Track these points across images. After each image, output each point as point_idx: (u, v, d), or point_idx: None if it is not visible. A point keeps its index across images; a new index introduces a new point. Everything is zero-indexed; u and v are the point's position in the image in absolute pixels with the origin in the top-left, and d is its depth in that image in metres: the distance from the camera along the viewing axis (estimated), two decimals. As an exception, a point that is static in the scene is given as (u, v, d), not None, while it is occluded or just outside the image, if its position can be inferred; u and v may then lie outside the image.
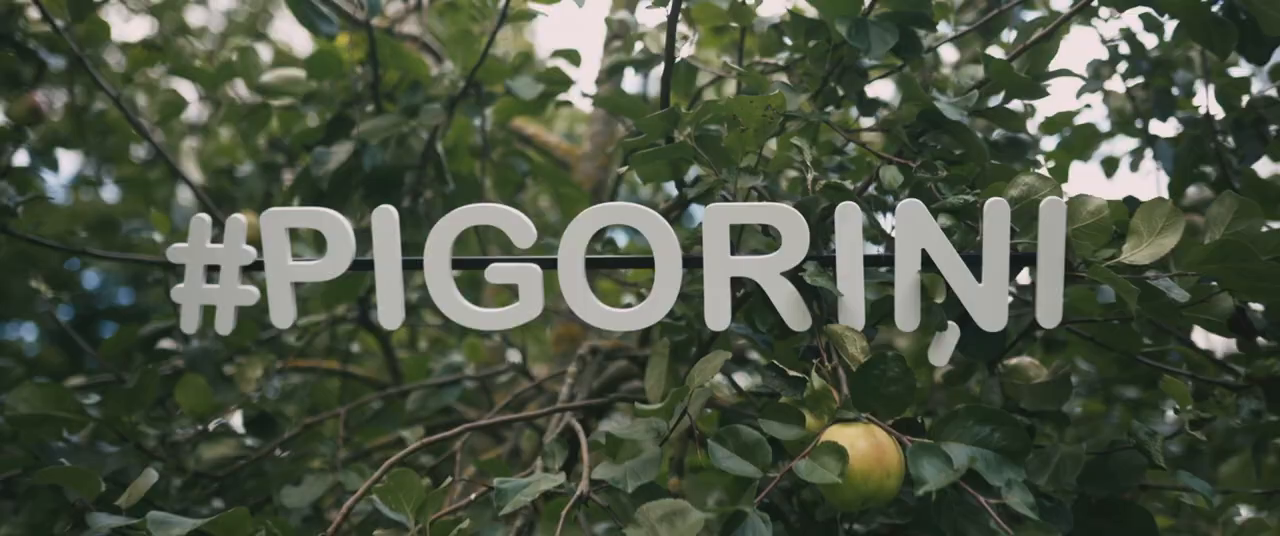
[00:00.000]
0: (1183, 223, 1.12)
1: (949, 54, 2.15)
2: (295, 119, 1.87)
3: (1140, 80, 1.85)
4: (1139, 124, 1.88)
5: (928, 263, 1.13)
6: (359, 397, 1.86)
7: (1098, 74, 1.91)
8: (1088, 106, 2.04)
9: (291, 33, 4.35)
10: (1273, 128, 1.53)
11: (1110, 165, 2.15)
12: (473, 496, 1.21)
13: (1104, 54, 1.87)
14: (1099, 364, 1.92)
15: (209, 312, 1.24)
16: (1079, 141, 2.11)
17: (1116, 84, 1.88)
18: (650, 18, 2.29)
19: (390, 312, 1.21)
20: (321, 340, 2.09)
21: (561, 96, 1.81)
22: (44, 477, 1.26)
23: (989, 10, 1.87)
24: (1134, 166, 1.99)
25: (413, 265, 1.18)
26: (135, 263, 1.86)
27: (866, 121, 1.52)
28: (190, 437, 1.57)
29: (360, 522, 1.34)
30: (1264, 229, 1.13)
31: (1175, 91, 1.78)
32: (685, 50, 1.58)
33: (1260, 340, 1.40)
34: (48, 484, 1.42)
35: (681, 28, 1.59)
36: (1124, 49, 1.83)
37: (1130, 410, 1.38)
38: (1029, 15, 1.68)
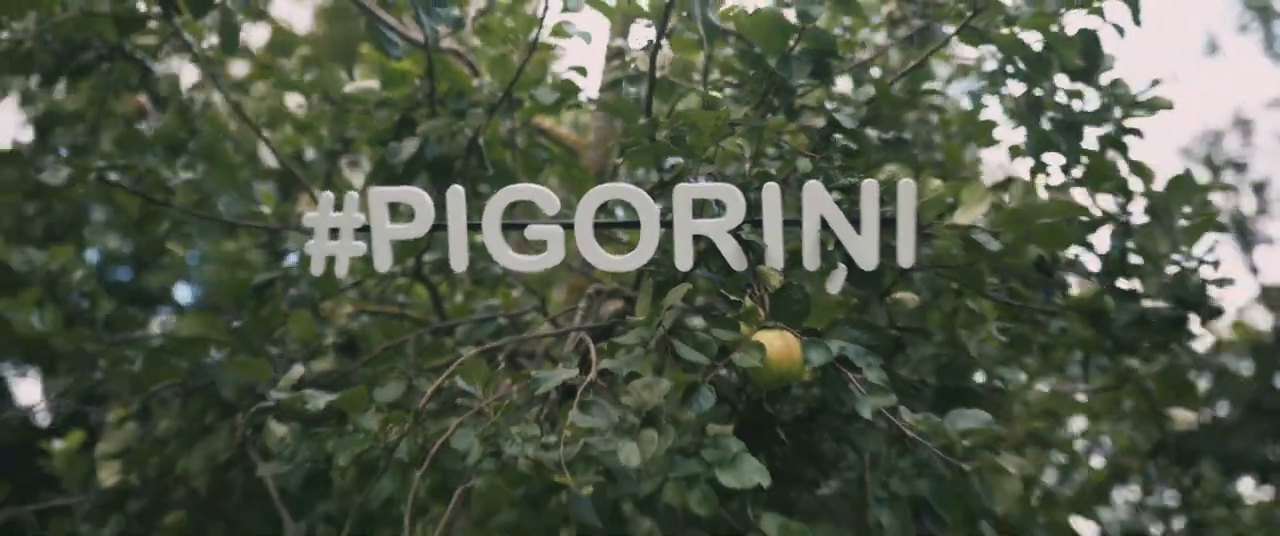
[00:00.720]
0: (990, 197, 1.69)
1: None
2: (366, 120, 2.43)
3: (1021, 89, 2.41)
4: (1016, 123, 2.44)
5: (826, 224, 1.69)
6: (416, 331, 2.42)
7: (993, 82, 2.47)
8: (985, 107, 2.59)
9: (291, 11, 4.82)
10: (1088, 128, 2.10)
11: (1015, 151, 2.72)
12: (515, 387, 1.78)
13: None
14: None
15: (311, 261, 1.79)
16: (980, 133, 2.66)
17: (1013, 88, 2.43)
18: (640, 43, 2.84)
19: (459, 260, 1.77)
20: (379, 289, 2.65)
21: (572, 101, 2.37)
22: (225, 368, 1.83)
23: (911, 32, 2.43)
24: (1014, 154, 2.55)
25: (473, 227, 1.74)
26: (246, 227, 2.43)
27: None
28: (300, 355, 2.14)
29: (435, 410, 1.91)
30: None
31: (1039, 94, 2.34)
32: (664, 69, 2.15)
33: (1073, 279, 1.97)
34: (205, 382, 1.99)
35: (664, 51, 2.16)
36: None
37: (965, 323, 1.92)
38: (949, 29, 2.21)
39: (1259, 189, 13.30)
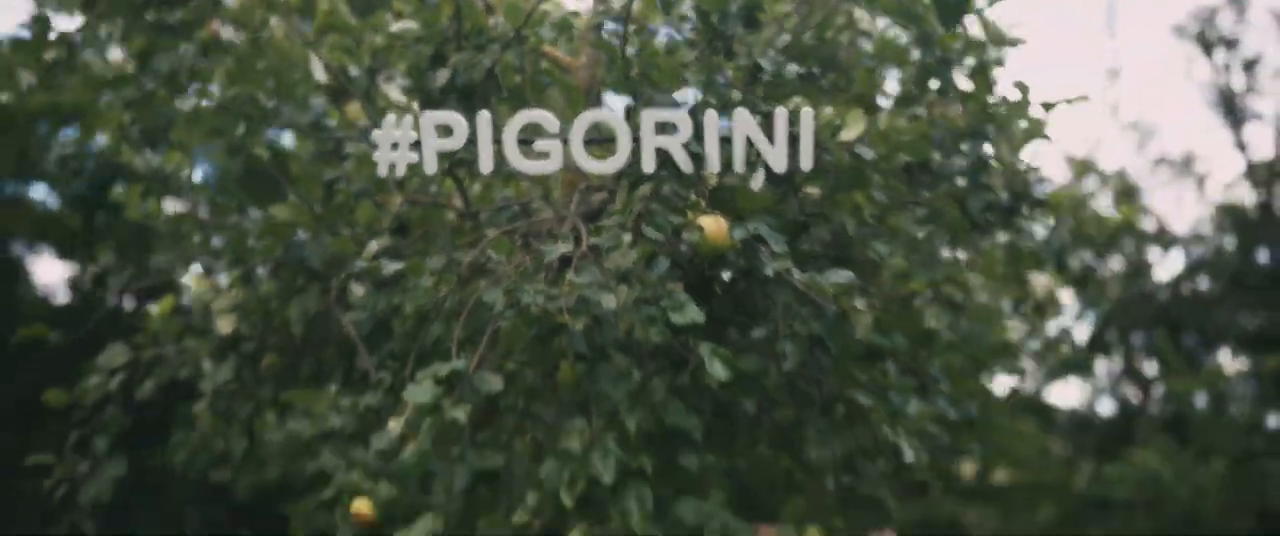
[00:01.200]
0: (865, 118, 2.37)
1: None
2: (406, 52, 3.09)
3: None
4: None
5: (750, 141, 2.38)
6: (450, 216, 3.12)
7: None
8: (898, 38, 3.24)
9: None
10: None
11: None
12: (528, 257, 2.49)
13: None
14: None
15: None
16: (897, 57, 3.32)
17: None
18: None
19: (486, 165, 2.46)
20: (418, 183, 3.34)
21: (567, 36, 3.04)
22: (313, 244, 2.53)
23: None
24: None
25: (496, 141, 2.43)
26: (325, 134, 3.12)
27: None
28: (364, 235, 2.85)
29: (469, 275, 2.62)
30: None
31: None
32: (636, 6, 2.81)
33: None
34: (297, 255, 2.70)
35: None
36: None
37: (849, 211, 2.59)
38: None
39: (1249, 66, 13.75)
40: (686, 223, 2.38)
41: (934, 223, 2.69)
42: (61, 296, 23.24)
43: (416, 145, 2.49)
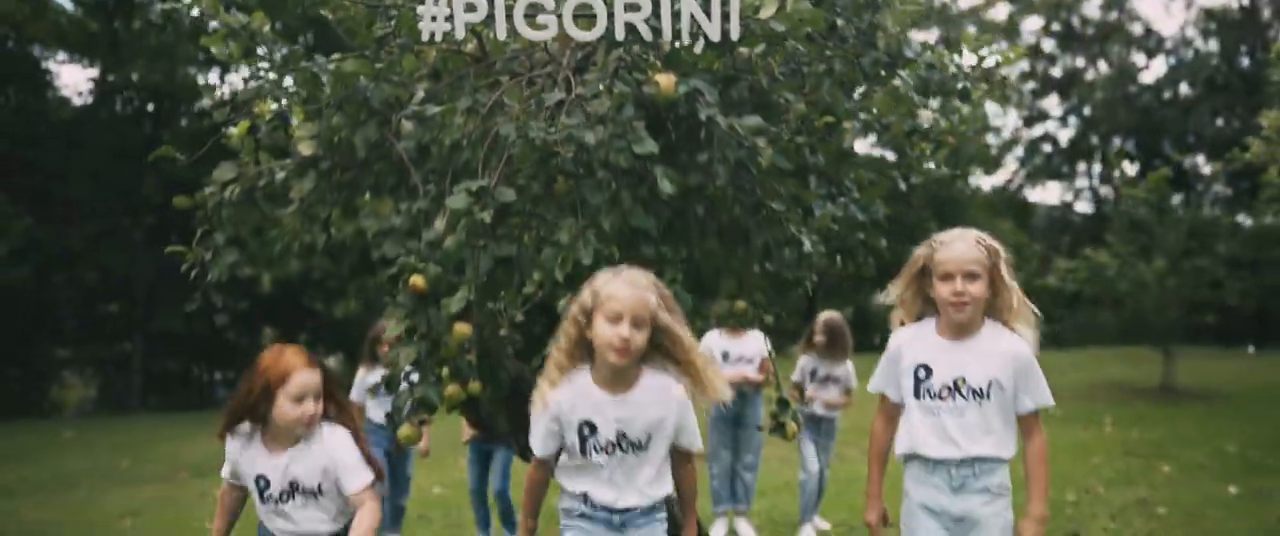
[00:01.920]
0: (776, 0, 3.26)
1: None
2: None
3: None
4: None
5: (693, 18, 3.28)
6: (473, 65, 4.01)
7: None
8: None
9: None
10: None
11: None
12: (531, 100, 3.42)
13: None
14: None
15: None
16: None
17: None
18: None
19: (501, 31, 3.36)
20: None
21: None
22: (376, 89, 3.45)
23: None
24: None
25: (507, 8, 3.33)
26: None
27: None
28: (409, 81, 3.76)
29: (488, 113, 3.55)
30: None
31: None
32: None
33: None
34: (357, 101, 3.62)
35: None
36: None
37: (768, 69, 3.47)
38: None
39: None
40: (647, 78, 3.30)
41: (830, 76, 3.60)
42: (78, 100, 23.89)
43: (449, 17, 3.39)
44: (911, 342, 3.31)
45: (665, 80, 3.27)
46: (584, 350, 3.02)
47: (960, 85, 4.38)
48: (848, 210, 4.17)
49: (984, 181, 34.06)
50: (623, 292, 2.92)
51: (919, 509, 3.22)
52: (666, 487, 3.13)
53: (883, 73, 3.71)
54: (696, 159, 3.56)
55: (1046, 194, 36.89)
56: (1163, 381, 14.35)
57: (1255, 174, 11.83)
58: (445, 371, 3.49)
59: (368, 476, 3.30)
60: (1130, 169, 33.08)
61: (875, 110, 4.10)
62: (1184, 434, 10.68)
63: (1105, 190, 31.81)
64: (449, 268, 3.37)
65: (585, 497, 3.08)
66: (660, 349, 3.00)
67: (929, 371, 3.24)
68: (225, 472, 3.43)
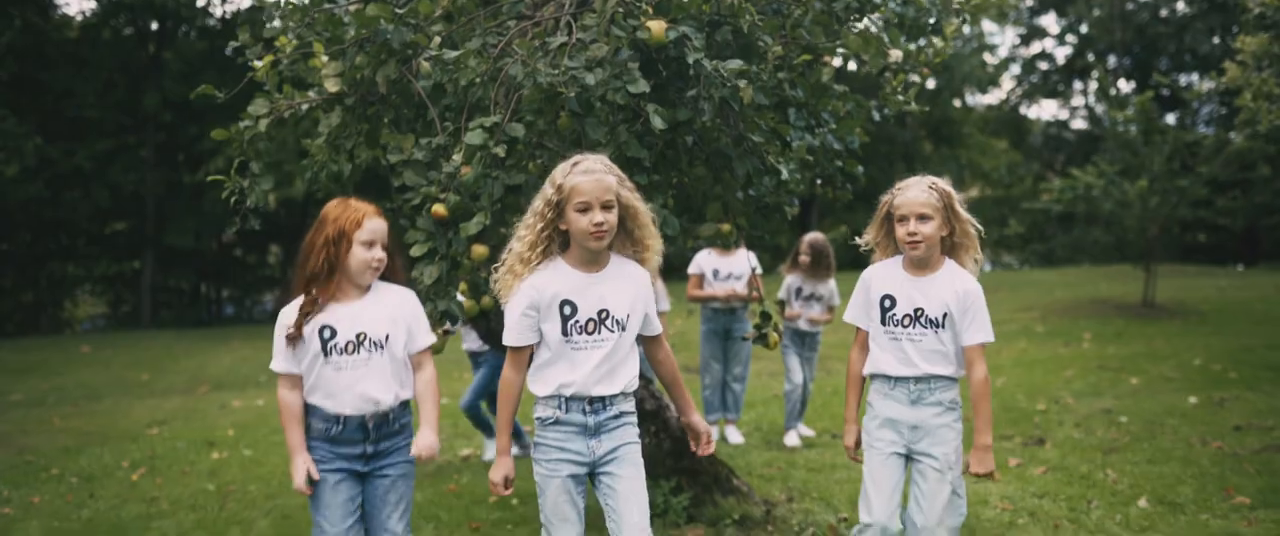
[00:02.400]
0: (757, -42, 3.63)
1: None
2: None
3: None
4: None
5: (682, -31, 3.66)
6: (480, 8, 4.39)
7: None
8: None
9: None
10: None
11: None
12: (537, 42, 3.81)
13: None
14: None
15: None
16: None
17: None
18: None
19: (509, -17, 3.74)
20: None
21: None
22: (396, 32, 3.85)
23: None
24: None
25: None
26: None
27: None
28: (426, 26, 4.14)
29: (499, 53, 3.94)
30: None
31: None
32: None
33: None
34: (379, 42, 4.01)
35: None
36: None
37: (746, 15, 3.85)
38: None
39: None
40: (640, 24, 3.68)
41: (808, 15, 3.98)
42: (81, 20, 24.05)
43: (462, -34, 3.77)
44: (880, 277, 3.74)
45: (656, 26, 3.66)
46: (552, 241, 3.24)
47: (932, 20, 4.77)
48: (826, 140, 4.58)
49: (981, 100, 34.32)
50: (586, 183, 3.15)
51: (882, 419, 3.68)
52: (634, 374, 3.31)
53: (855, 17, 4.09)
54: (684, 96, 3.96)
55: (1042, 112, 37.09)
56: (1145, 299, 14.82)
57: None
58: (464, 287, 3.94)
59: (432, 336, 3.56)
60: (1125, 87, 33.33)
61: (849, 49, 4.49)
62: (1156, 349, 11.17)
63: (1100, 108, 31.99)
64: (466, 196, 3.79)
65: (560, 400, 3.23)
66: (621, 223, 3.25)
67: (893, 302, 3.68)
68: (278, 364, 3.43)
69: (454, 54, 3.80)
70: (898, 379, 3.65)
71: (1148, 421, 7.45)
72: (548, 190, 3.21)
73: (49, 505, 6.14)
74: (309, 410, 3.45)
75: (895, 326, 3.67)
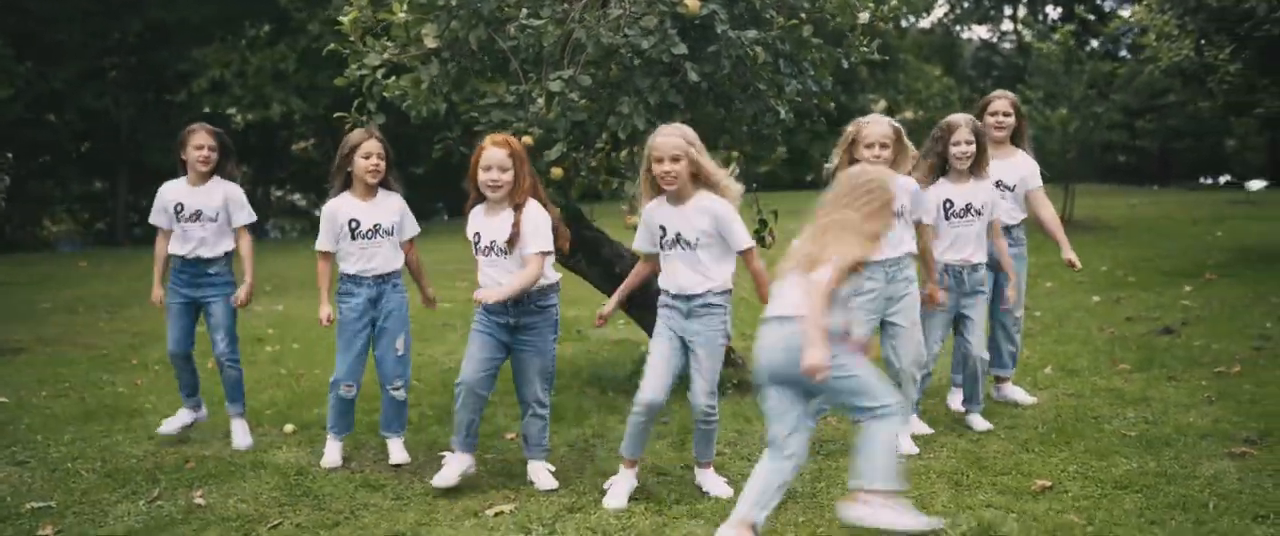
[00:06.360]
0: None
1: None
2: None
3: None
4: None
5: (711, -40, 4.90)
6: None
7: None
8: None
9: None
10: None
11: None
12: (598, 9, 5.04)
13: None
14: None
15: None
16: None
17: None
18: None
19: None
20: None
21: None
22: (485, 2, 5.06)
23: None
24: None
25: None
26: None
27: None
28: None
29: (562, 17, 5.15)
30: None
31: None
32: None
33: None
34: (470, 9, 5.21)
35: None
36: None
37: None
38: None
39: None
40: (679, 1, 4.91)
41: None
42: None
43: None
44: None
45: (692, 3, 4.90)
46: (654, 185, 4.32)
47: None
48: (806, 84, 5.88)
49: (915, 25, 35.65)
50: (658, 141, 4.24)
51: (866, 290, 4.96)
52: (721, 279, 4.25)
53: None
54: (706, 53, 5.22)
55: (974, 35, 38.61)
56: (1064, 215, 16.41)
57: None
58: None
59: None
60: (1053, 12, 34.88)
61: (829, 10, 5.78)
62: (1071, 257, 12.72)
63: (1028, 34, 33.52)
64: (546, 129, 5.03)
65: (664, 291, 4.32)
66: (698, 175, 4.30)
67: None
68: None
69: (538, 22, 5.02)
70: (875, 262, 4.84)
71: (1058, 315, 8.96)
72: (647, 149, 4.27)
73: (152, 384, 7.32)
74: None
75: None
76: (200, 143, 5.30)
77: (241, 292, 5.42)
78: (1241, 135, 25.45)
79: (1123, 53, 28.65)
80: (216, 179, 5.40)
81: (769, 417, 3.62)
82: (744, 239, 4.24)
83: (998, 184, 5.52)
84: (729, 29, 4.87)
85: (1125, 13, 32.51)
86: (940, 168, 5.20)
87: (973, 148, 5.12)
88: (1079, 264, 5.81)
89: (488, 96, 5.18)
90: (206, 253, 5.36)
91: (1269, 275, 10.58)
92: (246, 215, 5.45)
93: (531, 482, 4.59)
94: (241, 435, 5.47)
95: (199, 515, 4.29)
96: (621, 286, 4.66)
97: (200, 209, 5.33)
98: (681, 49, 4.86)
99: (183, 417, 5.59)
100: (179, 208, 5.35)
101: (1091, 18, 33.72)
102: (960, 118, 5.24)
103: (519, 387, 4.66)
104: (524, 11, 5.13)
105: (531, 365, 4.59)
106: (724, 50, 5.02)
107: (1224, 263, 11.81)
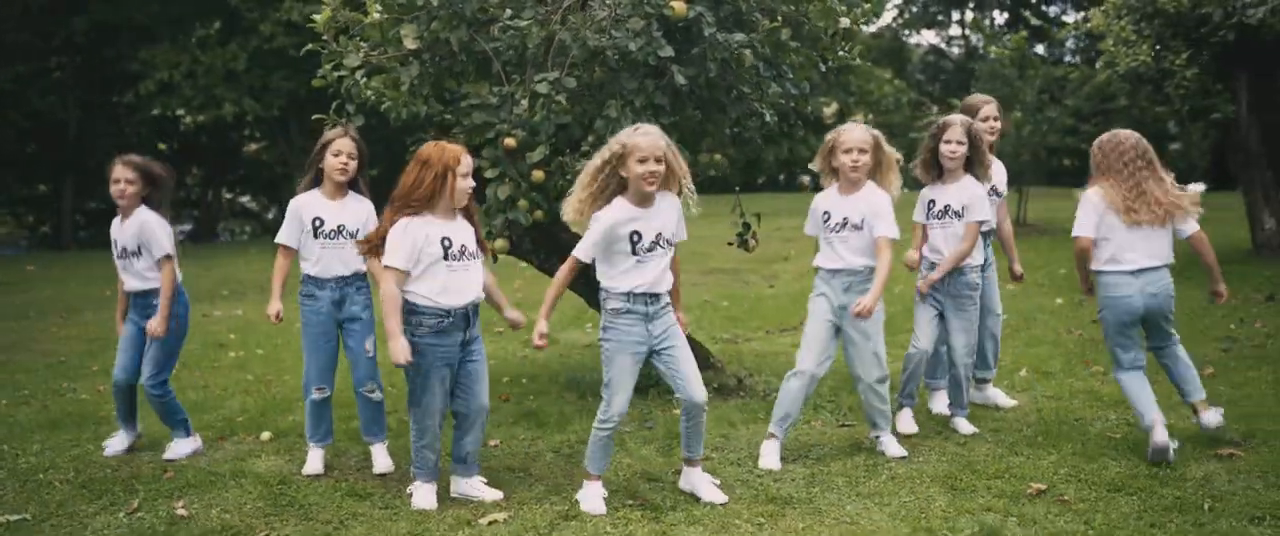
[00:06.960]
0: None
1: None
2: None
3: None
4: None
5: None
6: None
7: None
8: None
9: None
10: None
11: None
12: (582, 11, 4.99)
13: None
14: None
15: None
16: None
17: None
18: None
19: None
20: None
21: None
22: (466, 3, 4.99)
23: None
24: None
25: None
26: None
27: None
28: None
29: (544, 19, 5.10)
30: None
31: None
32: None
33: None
34: (452, 10, 5.14)
35: None
36: None
37: None
38: None
39: None
40: (665, 3, 4.88)
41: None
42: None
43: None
44: (823, 197, 4.96)
45: (678, 5, 4.87)
46: (609, 186, 4.15)
47: (868, -5, 6.08)
48: (785, 87, 5.86)
49: (865, 29, 35.83)
50: (646, 142, 4.11)
51: (822, 299, 4.90)
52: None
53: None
54: (690, 56, 5.19)
55: (922, 40, 38.99)
56: (1017, 218, 16.58)
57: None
58: (524, 202, 5.13)
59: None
60: (999, 17, 35.31)
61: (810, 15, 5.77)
62: (1028, 261, 12.77)
63: (976, 38, 33.88)
64: (529, 132, 4.97)
65: (630, 294, 4.11)
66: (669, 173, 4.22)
67: (829, 215, 4.89)
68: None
69: (523, 23, 4.96)
70: (833, 271, 4.79)
71: (1025, 317, 9.04)
72: (614, 145, 4.12)
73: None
74: (413, 308, 4.19)
75: (831, 232, 4.84)
76: (116, 176, 5.33)
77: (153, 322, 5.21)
78: (1187, 139, 25.89)
79: (1067, 57, 29.06)
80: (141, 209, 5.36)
81: (1130, 345, 4.93)
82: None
83: (992, 190, 5.52)
84: (716, 31, 4.85)
85: (1070, 19, 33.14)
86: (936, 165, 5.21)
87: (963, 148, 5.12)
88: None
89: (470, 97, 5.11)
90: (140, 286, 5.29)
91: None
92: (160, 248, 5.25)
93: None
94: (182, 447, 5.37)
95: (183, 527, 4.17)
96: (547, 298, 4.31)
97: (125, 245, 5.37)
98: (668, 51, 4.82)
99: (123, 439, 5.45)
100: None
101: (1036, 23, 34.20)
102: (957, 118, 5.25)
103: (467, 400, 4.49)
104: (507, 12, 5.07)
105: (482, 369, 4.47)
106: (710, 53, 4.99)
107: (1177, 266, 11.99)
